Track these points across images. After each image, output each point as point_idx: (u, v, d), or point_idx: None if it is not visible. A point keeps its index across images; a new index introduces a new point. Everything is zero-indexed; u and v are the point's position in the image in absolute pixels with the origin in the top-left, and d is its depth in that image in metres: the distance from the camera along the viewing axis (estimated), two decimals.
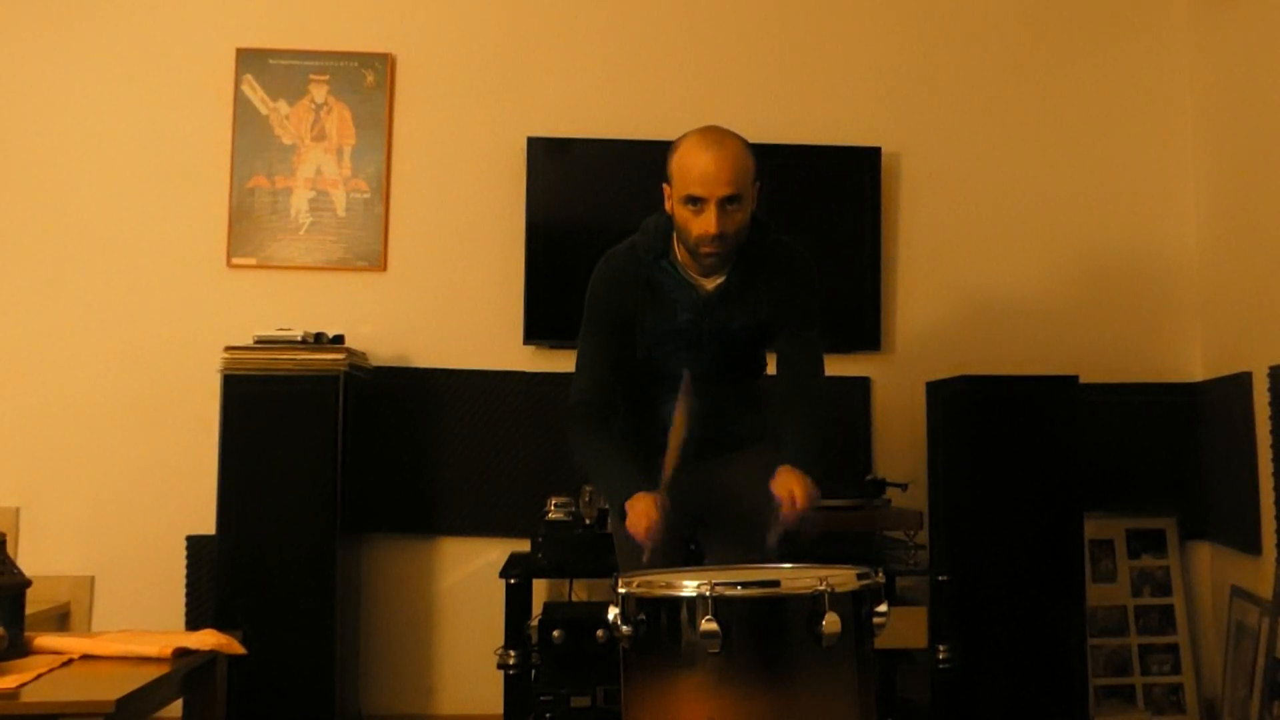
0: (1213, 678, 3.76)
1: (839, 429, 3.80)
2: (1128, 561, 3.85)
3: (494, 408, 3.81)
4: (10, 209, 3.80)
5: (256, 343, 3.44)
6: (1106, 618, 3.80)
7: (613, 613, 1.91)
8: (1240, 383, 3.58)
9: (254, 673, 3.12)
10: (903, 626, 3.20)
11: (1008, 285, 3.98)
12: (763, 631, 1.85)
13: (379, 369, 3.78)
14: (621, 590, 1.91)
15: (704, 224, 2.25)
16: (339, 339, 3.55)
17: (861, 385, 3.89)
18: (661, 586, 1.88)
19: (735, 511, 2.39)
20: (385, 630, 3.76)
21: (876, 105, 3.99)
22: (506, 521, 3.76)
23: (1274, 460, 3.33)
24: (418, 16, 3.93)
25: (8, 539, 2.44)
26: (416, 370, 3.82)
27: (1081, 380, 3.49)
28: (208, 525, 3.44)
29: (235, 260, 3.83)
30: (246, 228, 3.84)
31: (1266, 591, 3.34)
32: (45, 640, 2.39)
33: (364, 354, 3.69)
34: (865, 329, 3.87)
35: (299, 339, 3.45)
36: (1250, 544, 3.50)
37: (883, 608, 1.92)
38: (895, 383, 3.91)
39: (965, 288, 3.98)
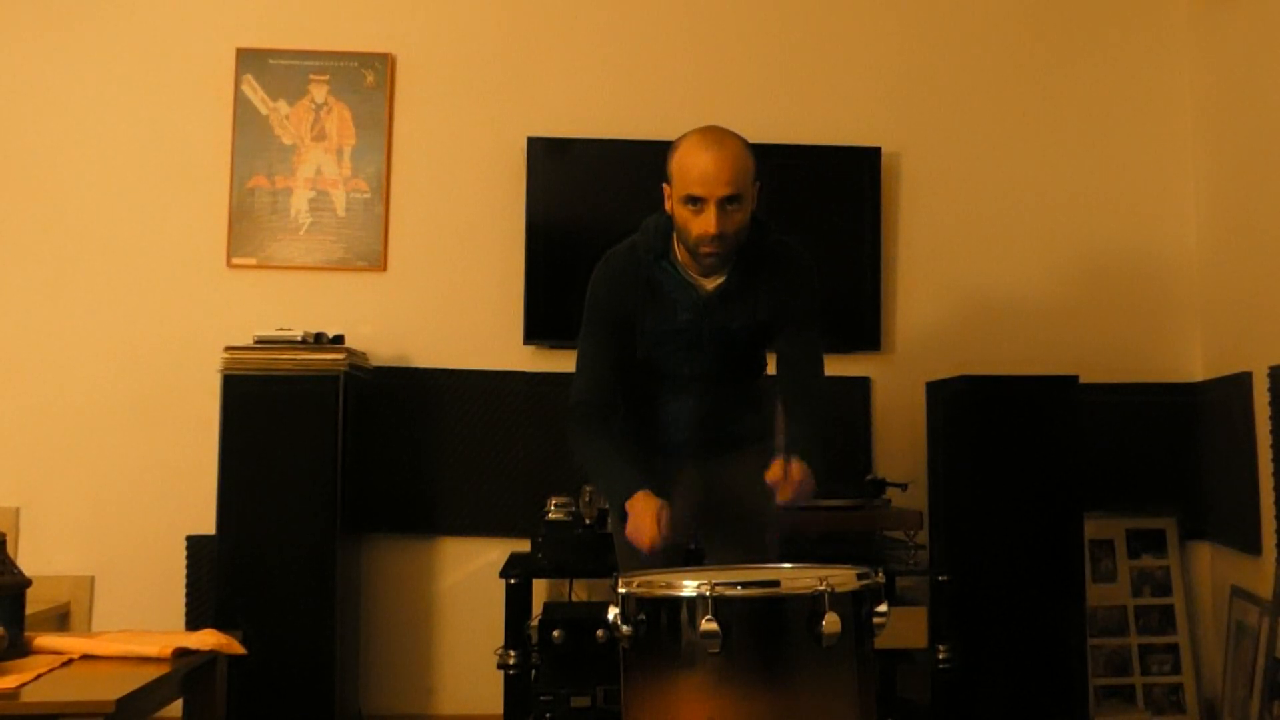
0: (1213, 678, 3.77)
1: (839, 429, 3.80)
2: (1128, 561, 3.85)
3: (494, 408, 3.81)
4: (10, 209, 3.80)
5: (256, 343, 3.44)
6: (1106, 618, 3.80)
7: (613, 613, 1.91)
8: (1240, 383, 3.58)
9: (254, 673, 3.12)
10: (903, 626, 3.20)
11: (1008, 285, 3.98)
12: (763, 631, 1.84)
13: (379, 369, 3.78)
14: (621, 590, 1.91)
15: (704, 224, 2.25)
16: (339, 339, 3.55)
17: (861, 385, 3.89)
18: (661, 586, 1.88)
19: (735, 511, 2.39)
20: (385, 630, 3.76)
21: (876, 105, 3.99)
22: (506, 521, 3.76)
23: (1274, 460, 3.34)
24: (418, 16, 3.93)
25: (8, 539, 2.43)
26: (416, 370, 3.82)
27: (1081, 380, 3.49)
28: (208, 525, 3.44)
29: (235, 260, 3.83)
30: (246, 228, 3.84)
31: (1266, 591, 3.35)
32: (45, 640, 2.39)
33: (364, 354, 3.69)
34: (865, 329, 3.87)
35: (299, 339, 3.45)
36: (1250, 544, 3.50)
37: (883, 608, 1.92)
38: (895, 383, 3.91)
39: (965, 288, 3.98)
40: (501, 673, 3.13)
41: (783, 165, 3.73)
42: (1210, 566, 3.85)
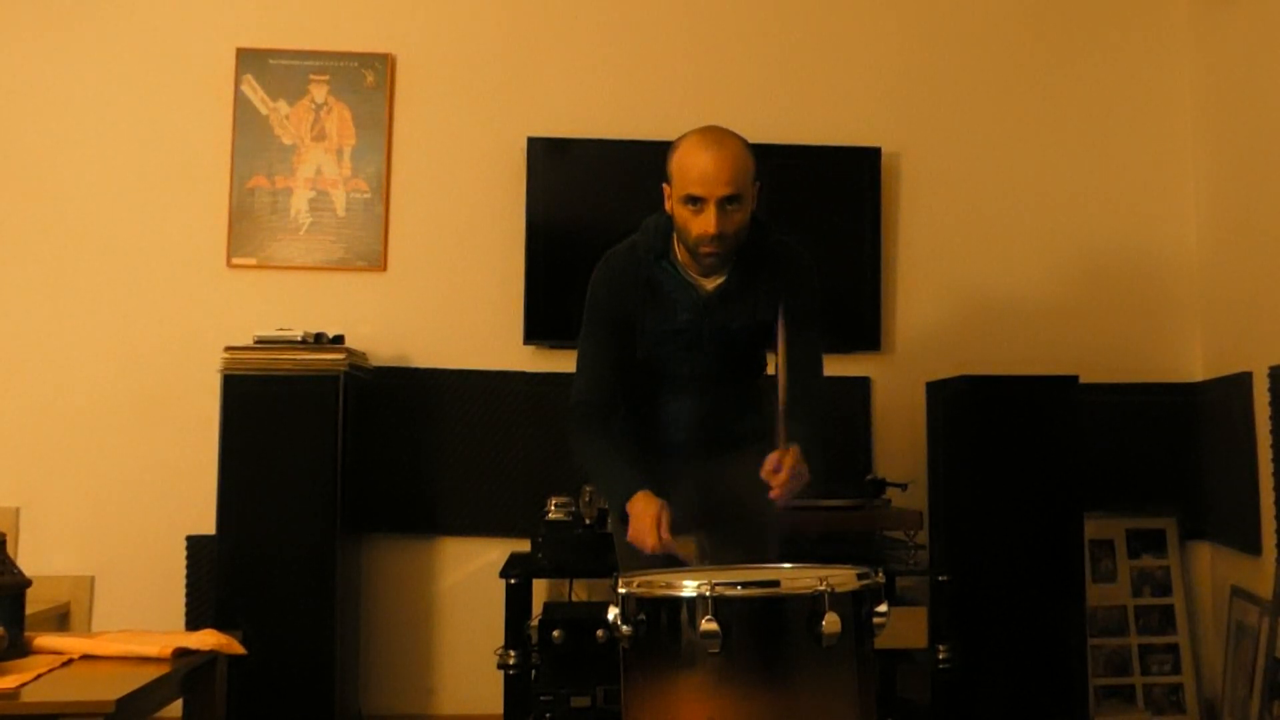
0: (1213, 678, 3.77)
1: (839, 429, 3.80)
2: (1128, 561, 3.85)
3: (494, 408, 3.81)
4: (10, 209, 3.80)
5: (256, 343, 3.44)
6: (1106, 618, 3.80)
7: (613, 613, 1.91)
8: (1240, 383, 3.58)
9: (254, 673, 3.12)
10: (903, 626, 3.20)
11: (1008, 285, 3.98)
12: (763, 631, 1.84)
13: (379, 369, 3.78)
14: (621, 590, 1.91)
15: (704, 224, 2.25)
16: (339, 339, 3.55)
17: (861, 385, 3.89)
18: (661, 586, 1.88)
19: (735, 511, 2.39)
20: (385, 630, 3.76)
21: (876, 105, 3.99)
22: (506, 521, 3.76)
23: (1274, 460, 3.34)
24: (418, 16, 3.93)
25: (8, 539, 2.43)
26: (416, 370, 3.82)
27: (1081, 380, 3.49)
28: (208, 525, 3.44)
29: (235, 260, 3.83)
30: (246, 228, 3.84)
31: (1266, 591, 3.35)
32: (45, 640, 2.39)
33: (364, 354, 3.69)
34: (865, 329, 3.87)
35: (299, 339, 3.45)
36: (1250, 544, 3.50)
37: (883, 608, 1.91)
38: (895, 383, 3.91)
39: (965, 288, 3.98)
40: (501, 673, 3.13)
41: (783, 165, 3.73)
42: (1210, 566, 3.85)
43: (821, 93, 3.98)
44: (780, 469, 2.15)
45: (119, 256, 3.81)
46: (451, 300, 3.86)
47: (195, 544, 3.66)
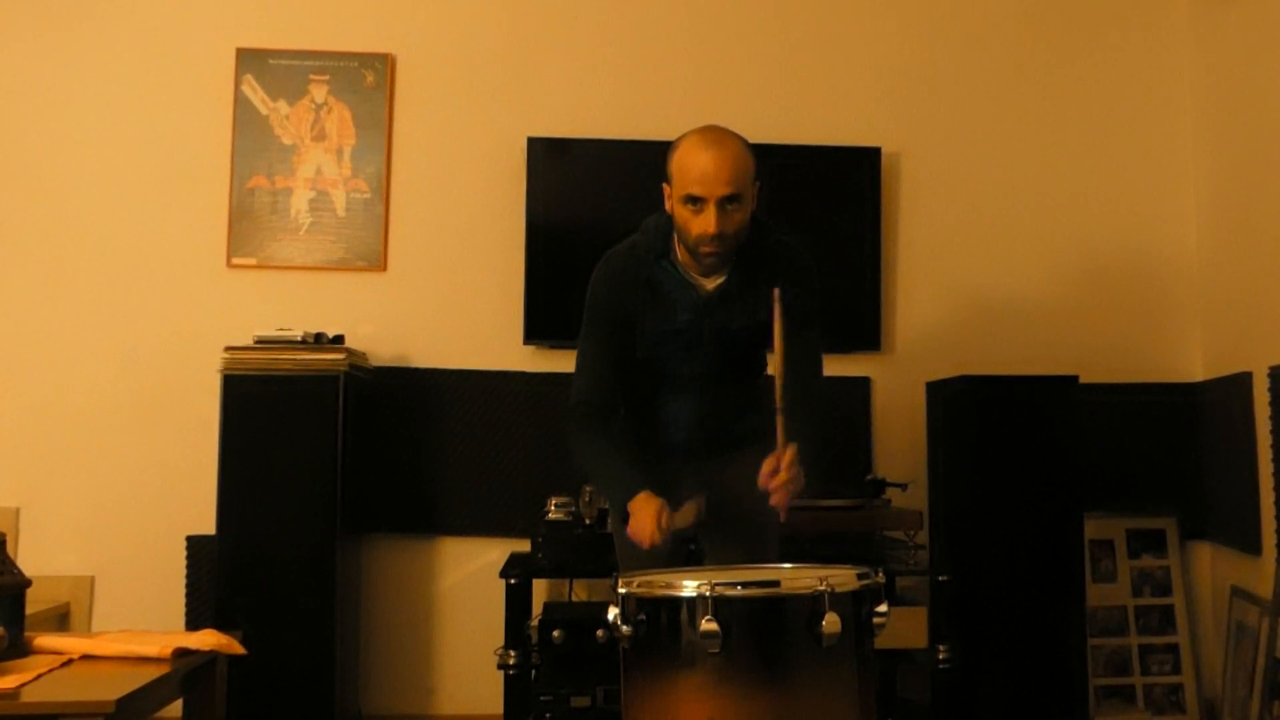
0: (1213, 678, 3.77)
1: (839, 429, 3.80)
2: (1128, 561, 3.85)
3: (494, 408, 3.81)
4: (10, 209, 3.80)
5: (256, 343, 3.44)
6: (1106, 618, 3.80)
7: (613, 613, 1.91)
8: (1240, 383, 3.58)
9: (254, 673, 3.12)
10: (903, 626, 3.20)
11: (1008, 285, 3.98)
12: (763, 631, 1.84)
13: (379, 369, 3.78)
14: (621, 590, 1.91)
15: (704, 224, 2.25)
16: (339, 339, 3.55)
17: (861, 385, 3.89)
18: (661, 586, 1.88)
19: (735, 511, 2.39)
20: (385, 630, 3.76)
21: (876, 105, 3.99)
22: (506, 521, 3.76)
23: (1274, 460, 3.33)
24: (418, 16, 3.93)
25: (8, 539, 2.43)
26: (416, 370, 3.82)
27: (1081, 380, 3.49)
28: (208, 525, 3.44)
29: (235, 260, 3.83)
30: (246, 228, 3.84)
31: (1266, 591, 3.34)
32: (45, 640, 2.38)
33: (364, 354, 3.69)
34: (865, 329, 3.87)
35: (299, 339, 3.45)
36: (1250, 544, 3.50)
37: (883, 608, 1.91)
38: (895, 383, 3.91)
39: (965, 288, 3.98)
40: (501, 673, 3.13)
41: (783, 165, 3.73)
42: (1210, 566, 3.85)
43: (821, 93, 3.98)
44: (779, 471, 2.15)
45: (119, 256, 3.81)
46: (451, 300, 3.86)
47: (195, 544, 3.66)
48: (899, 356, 3.93)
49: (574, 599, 3.66)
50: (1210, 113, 3.91)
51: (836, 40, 4.01)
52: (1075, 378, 3.49)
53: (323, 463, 3.40)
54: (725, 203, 2.24)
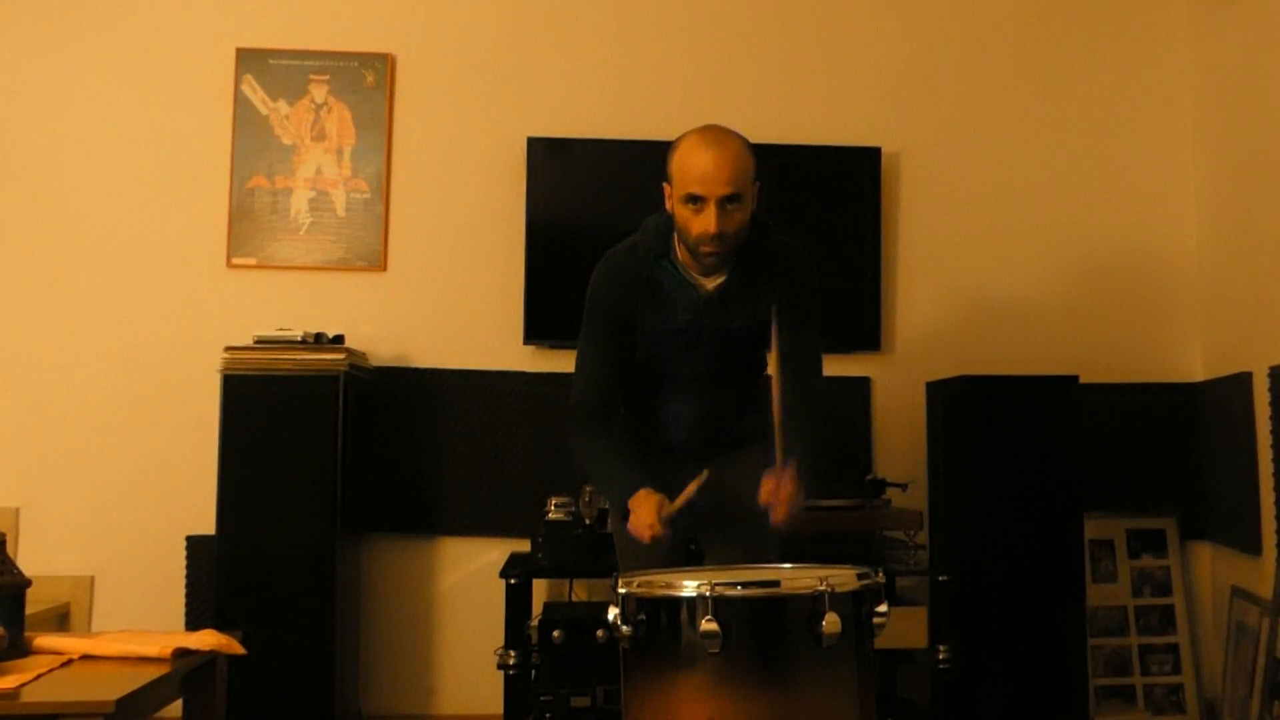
0: (1213, 678, 3.76)
1: (839, 429, 3.80)
2: (1128, 561, 3.85)
3: (494, 408, 3.81)
4: (10, 209, 3.80)
5: (256, 343, 3.44)
6: (1106, 618, 3.80)
7: (613, 613, 1.91)
8: (1240, 383, 3.58)
9: (254, 673, 3.11)
10: (903, 626, 3.20)
11: (1008, 285, 3.98)
12: (763, 631, 1.85)
13: (379, 369, 3.78)
14: (621, 590, 1.91)
15: (704, 223, 2.25)
16: (339, 339, 3.55)
17: (861, 385, 3.89)
18: (661, 586, 1.88)
19: (735, 511, 2.39)
20: (385, 630, 3.76)
21: (876, 105, 3.99)
22: (506, 521, 3.76)
23: (1274, 460, 3.33)
24: (418, 16, 3.93)
25: (8, 539, 2.43)
26: (416, 370, 3.82)
27: (1081, 380, 3.49)
28: (208, 525, 3.44)
29: (235, 260, 3.83)
30: (246, 228, 3.84)
31: (1266, 591, 3.34)
32: (45, 640, 2.38)
33: (364, 354, 3.69)
34: (865, 329, 3.87)
35: (299, 339, 3.45)
36: (1250, 544, 3.50)
37: (883, 608, 1.92)
38: (895, 383, 3.91)
39: (965, 288, 3.98)
40: (501, 673, 3.12)
41: (783, 165, 3.73)
42: (1210, 566, 3.85)
43: (821, 93, 3.98)
44: (780, 488, 2.15)
45: (119, 256, 3.81)
46: (451, 300, 3.86)
47: (195, 544, 3.66)
48: (899, 356, 3.93)
49: (574, 599, 3.66)
50: (1210, 113, 3.91)
51: (836, 40, 4.01)
52: (1075, 378, 3.48)
53: (323, 463, 3.40)
54: (725, 202, 2.24)
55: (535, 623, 3.20)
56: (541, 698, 3.11)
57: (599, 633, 3.12)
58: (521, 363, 3.82)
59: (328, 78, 3.88)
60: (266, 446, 3.38)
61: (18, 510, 3.70)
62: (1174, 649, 3.78)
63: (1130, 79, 4.05)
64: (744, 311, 2.39)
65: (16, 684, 2.06)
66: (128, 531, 3.71)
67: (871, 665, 1.93)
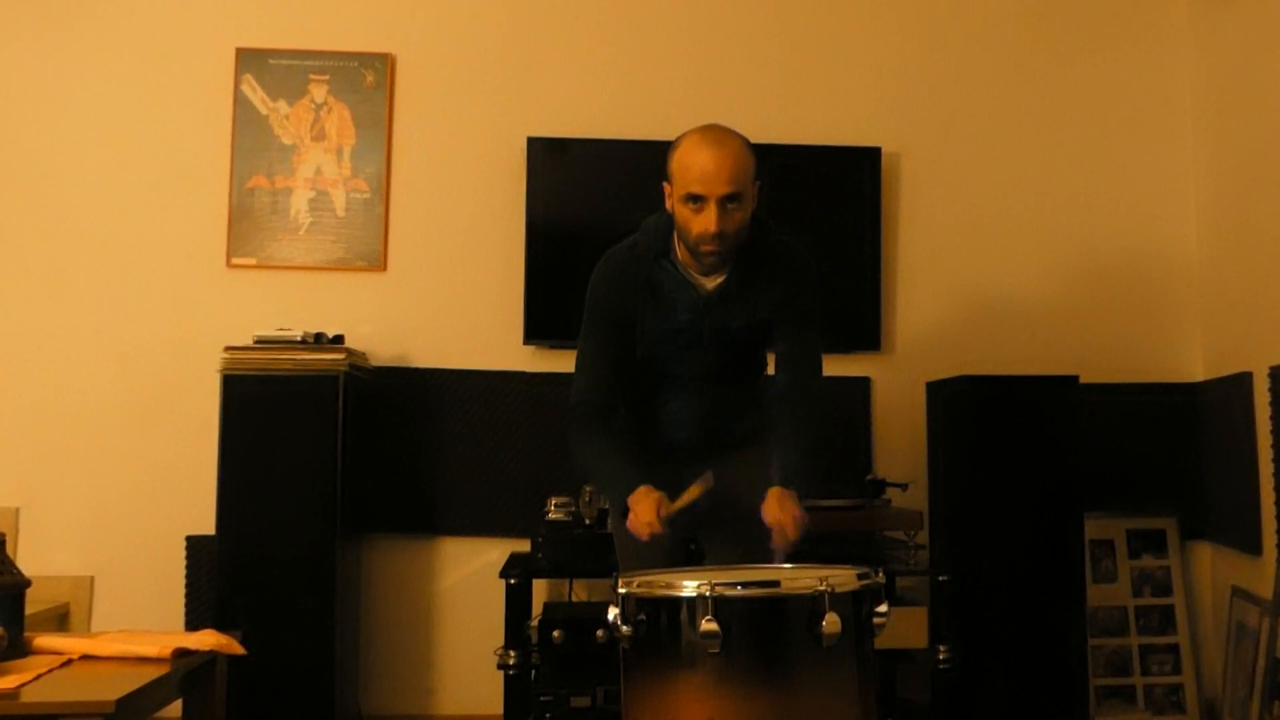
0: (1213, 678, 3.76)
1: (839, 429, 3.80)
2: (1128, 561, 3.85)
3: (494, 408, 3.81)
4: (10, 209, 3.80)
5: (256, 343, 3.44)
6: (1107, 618, 3.79)
7: (613, 613, 1.91)
8: (1240, 383, 3.58)
9: (254, 673, 3.11)
10: (903, 626, 3.20)
11: (1008, 285, 3.98)
12: (763, 631, 1.84)
13: (379, 369, 3.78)
14: (621, 590, 1.91)
15: (704, 222, 2.25)
16: (339, 339, 3.54)
17: (861, 385, 3.89)
18: (661, 586, 1.88)
19: (735, 511, 2.39)
20: (385, 630, 3.76)
21: (876, 105, 3.99)
22: (506, 521, 3.76)
23: (1274, 460, 3.33)
24: (418, 16, 3.93)
25: (8, 539, 2.43)
26: (416, 370, 3.82)
27: (1081, 380, 3.49)
28: (208, 525, 3.44)
29: (235, 260, 3.83)
30: (246, 228, 3.84)
31: (1266, 591, 3.34)
32: (45, 640, 2.38)
33: (364, 354, 3.69)
34: (865, 329, 3.87)
35: (299, 339, 3.45)
36: (1250, 544, 3.50)
37: (883, 608, 1.91)
38: (895, 383, 3.91)
39: (965, 288, 3.98)
40: (501, 673, 3.12)
41: (783, 165, 3.73)
42: (1210, 566, 3.85)
43: (821, 93, 3.98)
44: (785, 511, 2.15)
45: (119, 256, 3.81)
46: (451, 300, 3.86)
47: (195, 544, 3.66)
48: (899, 356, 3.93)
49: (574, 599, 3.65)
50: (1210, 113, 3.91)
51: (836, 40, 4.01)
52: (1075, 378, 3.48)
53: (322, 463, 3.40)
54: (726, 201, 2.24)
55: (535, 623, 3.20)
56: (541, 698, 3.11)
57: (599, 633, 3.12)
58: (521, 363, 3.82)
59: (328, 78, 3.88)
60: (266, 446, 3.37)
61: (18, 510, 3.70)
62: (1174, 649, 3.78)
63: (1130, 79, 4.05)
64: (744, 311, 2.39)
65: (16, 684, 2.06)
66: (127, 531, 3.71)
67: (871, 665, 1.93)
